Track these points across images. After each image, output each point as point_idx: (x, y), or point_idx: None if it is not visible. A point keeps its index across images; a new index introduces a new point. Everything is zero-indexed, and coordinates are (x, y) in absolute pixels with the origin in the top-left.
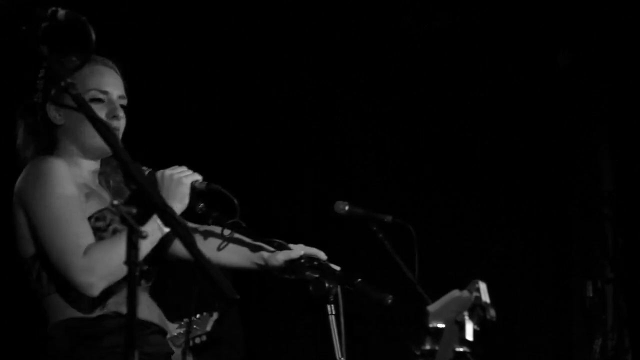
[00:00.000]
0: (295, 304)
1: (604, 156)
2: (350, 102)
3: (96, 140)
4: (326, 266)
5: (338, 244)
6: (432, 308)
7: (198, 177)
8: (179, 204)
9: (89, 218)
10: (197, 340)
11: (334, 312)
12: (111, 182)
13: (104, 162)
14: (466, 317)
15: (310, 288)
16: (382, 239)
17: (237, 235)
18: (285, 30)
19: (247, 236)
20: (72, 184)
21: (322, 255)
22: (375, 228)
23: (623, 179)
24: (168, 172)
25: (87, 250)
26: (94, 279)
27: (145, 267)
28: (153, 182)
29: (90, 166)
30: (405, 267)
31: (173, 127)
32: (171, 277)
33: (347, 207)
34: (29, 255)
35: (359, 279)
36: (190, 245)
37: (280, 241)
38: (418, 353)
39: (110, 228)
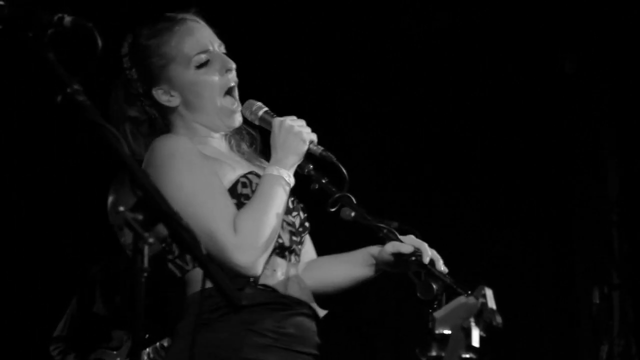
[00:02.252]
0: None
1: (610, 161)
2: (350, 102)
3: (218, 116)
4: (436, 268)
5: (341, 249)
6: (438, 314)
7: (315, 137)
8: (294, 157)
9: (235, 184)
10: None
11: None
12: (243, 148)
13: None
14: (472, 324)
15: (418, 293)
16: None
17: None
18: (285, 30)
19: (355, 213)
20: (200, 156)
21: (427, 252)
22: (381, 234)
23: (629, 184)
24: (288, 122)
25: (237, 226)
26: (253, 256)
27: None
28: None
29: (217, 137)
30: (411, 273)
31: None
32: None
33: (353, 214)
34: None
35: (469, 291)
36: (197, 251)
37: (390, 227)
38: (424, 359)
39: None
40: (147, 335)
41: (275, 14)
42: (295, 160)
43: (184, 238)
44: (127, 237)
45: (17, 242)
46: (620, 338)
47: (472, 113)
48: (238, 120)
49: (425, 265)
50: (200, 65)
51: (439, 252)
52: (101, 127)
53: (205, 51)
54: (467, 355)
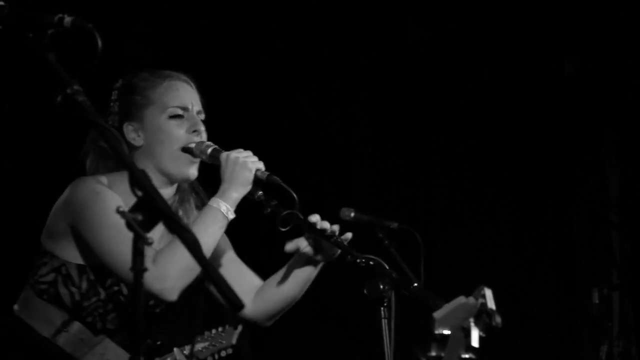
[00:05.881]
0: (303, 313)
1: (610, 162)
2: (355, 107)
3: (175, 164)
4: (382, 267)
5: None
6: (438, 315)
7: (262, 165)
8: (242, 188)
9: None
10: (223, 354)
11: (386, 316)
12: (180, 211)
13: (180, 190)
14: (472, 324)
15: (365, 290)
16: (388, 245)
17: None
18: (286, 35)
19: (303, 228)
20: (117, 198)
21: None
22: (381, 234)
23: (629, 185)
24: (234, 154)
25: (156, 257)
26: (169, 283)
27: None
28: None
29: (164, 190)
30: (411, 274)
31: None
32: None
33: (352, 214)
34: (52, 252)
35: (415, 284)
36: (198, 252)
37: (337, 237)
38: (424, 359)
39: None
40: (158, 342)
41: (277, 18)
42: (242, 191)
43: (184, 239)
44: None
45: None
46: (619, 339)
47: (476, 119)
48: (193, 172)
49: (371, 264)
50: (174, 117)
51: (439, 252)
52: (101, 127)
53: (184, 108)
54: (467, 356)
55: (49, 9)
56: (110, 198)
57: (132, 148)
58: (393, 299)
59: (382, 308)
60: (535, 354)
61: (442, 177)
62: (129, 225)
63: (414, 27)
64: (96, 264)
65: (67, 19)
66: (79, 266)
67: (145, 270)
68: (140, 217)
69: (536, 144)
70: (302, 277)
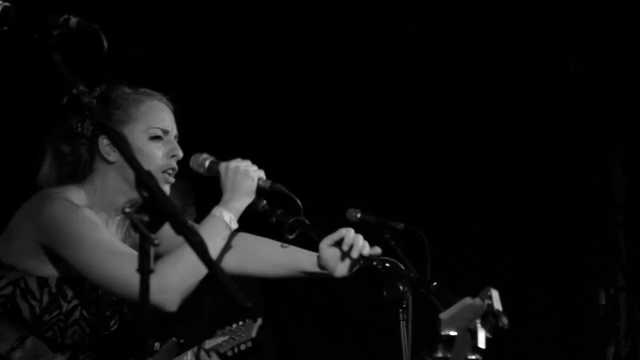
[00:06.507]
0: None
1: (617, 164)
2: (356, 107)
3: None
4: (399, 268)
5: None
6: (444, 316)
7: (262, 173)
8: (245, 198)
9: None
10: (243, 347)
11: (404, 318)
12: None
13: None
14: (478, 325)
15: (384, 292)
16: (395, 246)
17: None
18: (287, 35)
19: (311, 234)
20: (92, 215)
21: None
22: (387, 235)
23: (635, 185)
24: (233, 164)
25: (156, 268)
26: (169, 294)
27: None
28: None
29: (116, 219)
30: (417, 275)
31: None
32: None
33: (359, 215)
34: (10, 265)
35: (435, 283)
36: (203, 254)
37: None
38: None
39: None
40: (181, 340)
41: (279, 20)
42: (245, 201)
43: (190, 240)
44: None
45: None
46: (626, 339)
47: (474, 114)
48: (166, 191)
49: (387, 266)
50: (154, 138)
51: (440, 252)
52: (107, 128)
53: (165, 131)
54: (473, 357)
55: (48, 8)
56: (88, 216)
57: (101, 163)
58: (410, 300)
59: (400, 310)
60: (542, 354)
61: (443, 177)
62: (135, 226)
63: (415, 27)
64: (66, 277)
65: (73, 20)
66: (39, 279)
67: (151, 271)
68: (146, 218)
69: (538, 144)
70: (297, 276)
